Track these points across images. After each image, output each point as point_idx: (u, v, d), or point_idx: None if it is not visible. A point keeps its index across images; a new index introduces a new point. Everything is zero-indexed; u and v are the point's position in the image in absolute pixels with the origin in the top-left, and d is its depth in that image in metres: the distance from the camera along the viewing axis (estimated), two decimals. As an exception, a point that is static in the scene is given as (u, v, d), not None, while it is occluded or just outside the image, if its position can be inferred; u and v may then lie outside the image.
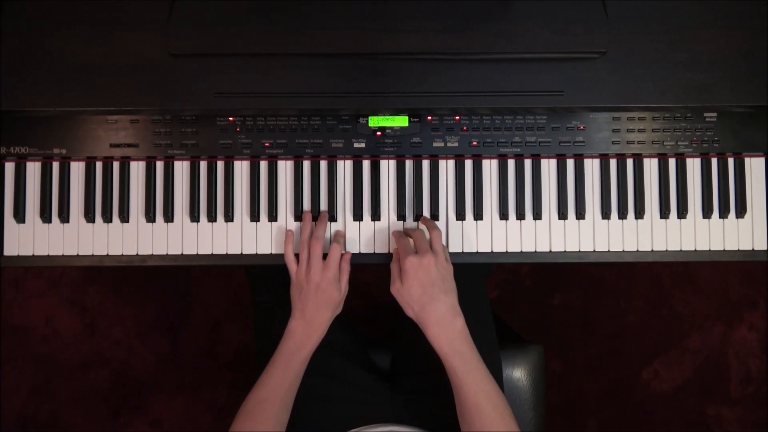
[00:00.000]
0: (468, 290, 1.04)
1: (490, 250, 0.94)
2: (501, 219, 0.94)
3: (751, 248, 0.94)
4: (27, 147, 0.93)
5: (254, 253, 0.94)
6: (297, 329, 0.87)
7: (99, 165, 0.95)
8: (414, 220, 0.94)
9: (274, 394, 0.85)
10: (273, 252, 0.94)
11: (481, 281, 1.09)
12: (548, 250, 0.94)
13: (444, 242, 0.93)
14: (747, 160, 0.94)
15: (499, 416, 0.81)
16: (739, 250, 0.94)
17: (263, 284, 1.05)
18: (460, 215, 0.94)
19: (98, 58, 0.88)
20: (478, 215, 0.94)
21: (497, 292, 1.67)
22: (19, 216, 0.94)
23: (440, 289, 0.83)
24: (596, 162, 0.95)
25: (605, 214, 0.94)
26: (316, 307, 0.87)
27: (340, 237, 0.92)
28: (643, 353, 1.66)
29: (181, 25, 0.87)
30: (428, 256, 0.83)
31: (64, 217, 0.94)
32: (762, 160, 0.95)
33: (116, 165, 0.95)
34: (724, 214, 0.94)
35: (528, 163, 0.95)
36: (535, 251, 0.94)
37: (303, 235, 0.90)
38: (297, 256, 0.90)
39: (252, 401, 0.86)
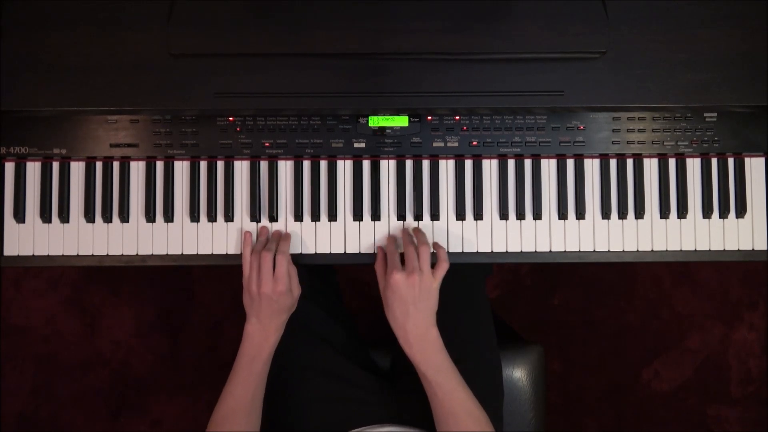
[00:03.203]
0: (468, 291, 1.04)
1: (490, 250, 0.94)
2: (501, 219, 0.94)
3: (751, 248, 0.94)
4: (27, 147, 0.93)
5: (254, 253, 0.94)
6: (254, 333, 0.87)
7: (99, 165, 0.95)
8: (414, 220, 0.94)
9: (241, 402, 0.86)
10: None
11: (482, 281, 1.09)
12: (548, 250, 0.94)
13: (444, 242, 0.93)
14: (747, 160, 0.94)
15: (474, 421, 0.83)
16: (739, 250, 0.94)
17: None
18: (460, 215, 0.94)
19: (98, 58, 0.88)
20: (478, 215, 0.94)
21: (497, 292, 1.67)
22: (19, 216, 0.94)
23: (417, 307, 0.85)
24: (596, 162, 0.94)
25: (605, 214, 0.94)
26: (270, 315, 0.87)
27: (285, 245, 0.90)
28: (643, 353, 1.66)
29: (181, 25, 0.87)
30: (414, 276, 0.84)
31: (64, 217, 0.94)
32: (762, 160, 0.95)
33: (116, 165, 0.95)
34: (724, 214, 0.94)
35: (528, 163, 0.94)
36: (535, 251, 0.94)
37: (257, 245, 0.89)
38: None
39: (221, 412, 0.87)
